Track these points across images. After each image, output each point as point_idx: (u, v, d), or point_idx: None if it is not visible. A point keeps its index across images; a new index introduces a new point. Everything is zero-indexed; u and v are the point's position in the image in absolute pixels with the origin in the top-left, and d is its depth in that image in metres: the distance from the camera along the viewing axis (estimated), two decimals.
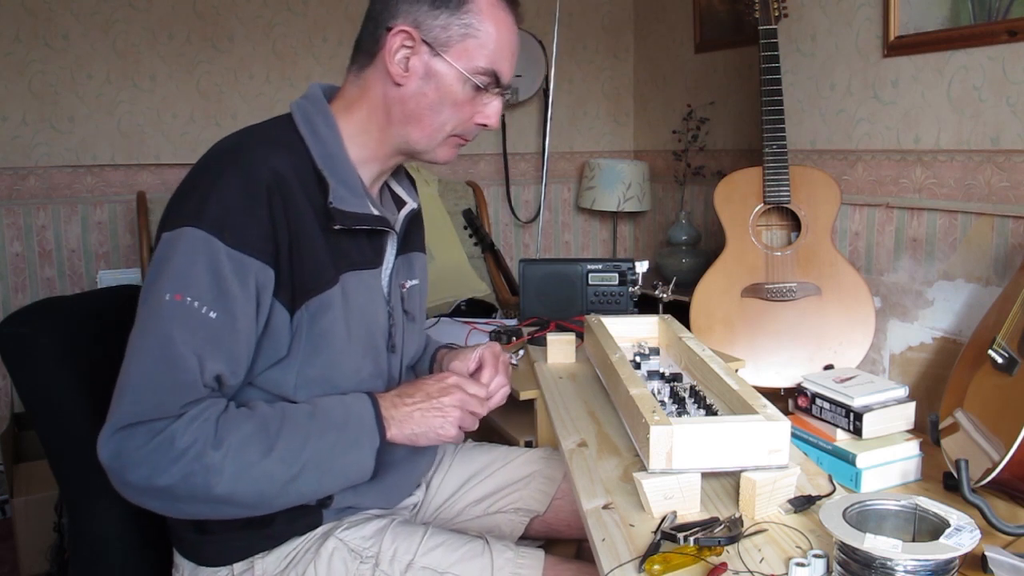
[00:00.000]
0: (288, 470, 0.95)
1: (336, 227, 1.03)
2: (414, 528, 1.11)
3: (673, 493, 0.90)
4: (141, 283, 0.97)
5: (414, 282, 1.23)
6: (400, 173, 1.24)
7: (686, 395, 1.12)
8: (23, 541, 2.09)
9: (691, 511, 0.91)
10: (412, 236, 1.24)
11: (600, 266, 2.04)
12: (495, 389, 1.16)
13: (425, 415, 1.05)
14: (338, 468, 1.00)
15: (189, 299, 0.92)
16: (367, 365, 1.10)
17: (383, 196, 1.19)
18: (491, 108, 1.09)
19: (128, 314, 0.97)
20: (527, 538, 1.30)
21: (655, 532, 0.86)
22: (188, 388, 0.92)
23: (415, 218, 1.24)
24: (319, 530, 1.10)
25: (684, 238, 2.86)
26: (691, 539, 0.82)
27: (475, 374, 1.18)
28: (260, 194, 0.97)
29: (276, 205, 0.98)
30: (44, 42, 2.57)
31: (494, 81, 1.07)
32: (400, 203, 1.22)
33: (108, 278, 2.70)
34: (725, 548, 0.83)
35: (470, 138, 1.13)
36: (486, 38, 1.04)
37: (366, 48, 1.08)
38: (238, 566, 1.07)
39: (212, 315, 0.93)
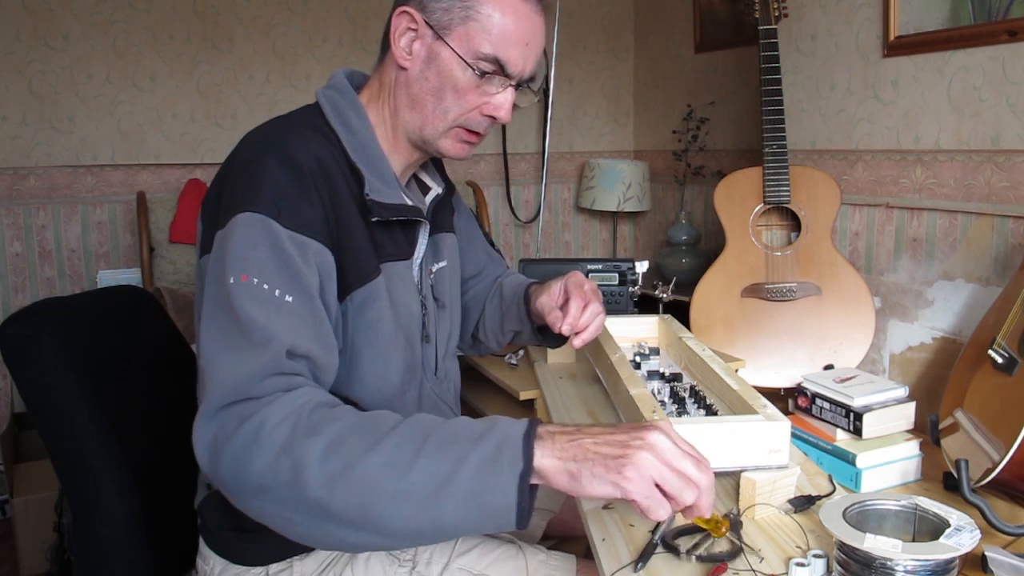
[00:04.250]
0: (396, 480, 0.74)
1: (374, 219, 1.01)
2: None
3: None
4: (141, 283, 0.94)
5: (442, 264, 1.19)
6: (426, 161, 1.20)
7: (686, 395, 1.12)
8: (23, 541, 2.09)
9: None
10: (440, 218, 1.20)
11: (600, 266, 2.04)
12: (588, 320, 1.10)
13: (599, 446, 0.74)
14: (463, 493, 0.73)
15: (257, 280, 0.86)
16: (406, 356, 1.07)
17: (410, 185, 1.17)
18: (498, 99, 1.04)
19: (128, 314, 0.96)
20: (543, 537, 1.29)
21: (652, 532, 0.86)
22: (271, 362, 0.82)
23: (443, 200, 1.20)
24: None
25: (684, 238, 2.86)
26: (692, 556, 0.82)
27: (564, 307, 1.13)
28: (307, 179, 0.94)
29: (323, 191, 0.95)
30: (44, 42, 2.57)
31: (499, 69, 1.01)
32: (425, 189, 1.20)
33: (108, 278, 2.70)
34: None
35: (480, 131, 1.07)
36: (487, 21, 0.99)
37: (385, 33, 1.05)
38: (275, 566, 1.04)
39: (288, 299, 0.87)
